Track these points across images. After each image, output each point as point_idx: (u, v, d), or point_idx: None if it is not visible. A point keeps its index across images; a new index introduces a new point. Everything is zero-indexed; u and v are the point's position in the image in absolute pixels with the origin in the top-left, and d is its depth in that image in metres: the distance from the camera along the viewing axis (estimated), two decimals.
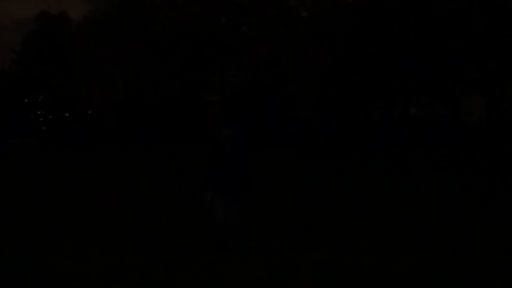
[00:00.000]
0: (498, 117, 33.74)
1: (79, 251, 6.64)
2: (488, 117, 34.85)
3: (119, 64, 49.94)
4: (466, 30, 32.83)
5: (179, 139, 45.10)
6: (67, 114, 57.17)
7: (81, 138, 50.98)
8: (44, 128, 58.42)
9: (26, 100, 57.17)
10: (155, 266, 5.98)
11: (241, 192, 6.36)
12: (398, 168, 19.85)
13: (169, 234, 7.63)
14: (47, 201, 11.20)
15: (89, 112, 56.48)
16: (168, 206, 10.39)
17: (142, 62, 46.22)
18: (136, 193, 12.56)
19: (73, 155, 31.55)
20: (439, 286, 5.25)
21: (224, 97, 46.12)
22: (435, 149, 30.12)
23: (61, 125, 56.49)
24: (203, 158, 6.34)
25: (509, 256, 6.34)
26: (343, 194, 12.20)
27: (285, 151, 32.17)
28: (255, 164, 17.28)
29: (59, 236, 7.56)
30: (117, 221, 8.79)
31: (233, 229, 6.31)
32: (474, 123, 36.87)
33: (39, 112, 58.67)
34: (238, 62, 46.14)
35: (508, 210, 9.73)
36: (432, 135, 35.51)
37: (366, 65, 36.57)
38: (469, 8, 32.48)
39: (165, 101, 47.15)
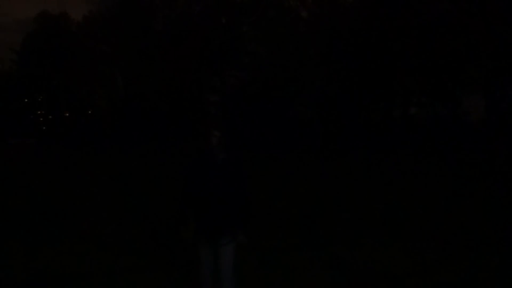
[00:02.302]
0: (498, 117, 33.70)
1: (79, 251, 6.64)
2: (488, 117, 34.81)
3: (119, 64, 49.94)
4: (466, 30, 32.80)
5: (179, 139, 45.08)
6: (67, 114, 57.16)
7: (81, 138, 50.95)
8: (44, 128, 58.41)
9: (26, 100, 57.16)
10: (155, 266, 5.98)
11: (235, 229, 4.14)
12: (398, 168, 19.84)
13: (168, 234, 7.63)
14: (46, 201, 11.20)
15: (89, 112, 56.48)
16: (167, 205, 10.38)
17: (142, 62, 46.23)
18: (136, 193, 12.56)
19: (73, 155, 31.53)
20: (439, 286, 5.25)
21: (224, 97, 46.12)
22: (435, 149, 30.11)
23: (61, 125, 56.48)
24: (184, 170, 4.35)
25: (509, 256, 6.34)
26: (343, 194, 12.20)
27: (285, 151, 32.16)
28: (254, 171, 17.22)
29: (59, 236, 7.56)
30: (117, 221, 8.79)
31: (225, 280, 4.14)
32: (474, 123, 36.82)
33: (39, 112, 58.67)
34: (238, 62, 46.14)
35: (508, 210, 9.73)
36: (432, 135, 35.47)
37: (366, 65, 36.56)
38: (469, 8, 32.46)
39: (165, 101, 47.14)
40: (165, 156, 30.07)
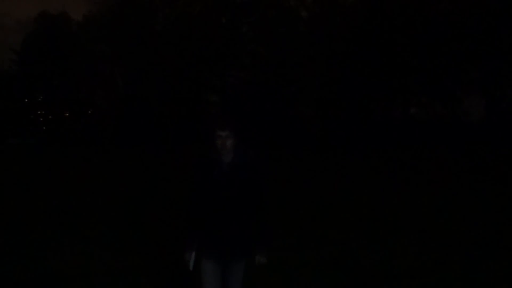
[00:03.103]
0: (498, 117, 33.72)
1: (80, 251, 6.64)
2: (488, 117, 34.84)
3: (119, 64, 49.95)
4: (466, 31, 32.84)
5: (179, 139, 45.09)
6: (67, 114, 57.16)
7: (81, 138, 50.95)
8: (44, 128, 58.41)
9: (26, 100, 57.16)
10: (156, 266, 5.98)
11: (248, 249, 3.51)
12: (398, 168, 19.83)
13: (168, 234, 7.63)
14: (46, 201, 11.20)
15: (89, 112, 56.48)
16: (167, 206, 10.39)
17: (142, 62, 46.24)
18: (136, 193, 12.56)
19: (73, 155, 31.54)
20: (439, 286, 5.25)
21: (224, 97, 46.13)
22: (435, 149, 30.11)
23: (61, 125, 56.48)
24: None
25: (509, 256, 6.34)
26: (343, 194, 12.20)
27: (285, 151, 32.15)
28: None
29: (59, 236, 7.56)
30: (117, 221, 8.79)
31: None
32: (474, 123, 36.84)
33: (39, 112, 58.65)
34: (238, 62, 46.16)
35: (508, 210, 9.72)
36: (432, 135, 35.48)
37: (366, 65, 36.58)
38: (469, 9, 32.49)
39: (165, 101, 47.16)
40: (165, 156, 30.06)
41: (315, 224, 8.43)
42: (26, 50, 57.22)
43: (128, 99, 48.97)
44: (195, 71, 44.96)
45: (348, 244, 6.94)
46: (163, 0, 48.71)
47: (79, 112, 56.35)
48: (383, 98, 39.71)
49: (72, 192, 12.73)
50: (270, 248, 3.58)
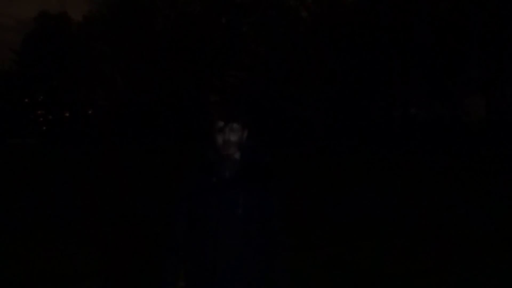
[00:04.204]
0: (498, 117, 33.71)
1: (79, 251, 6.63)
2: (488, 117, 34.83)
3: (119, 64, 49.99)
4: (466, 30, 32.82)
5: (178, 139, 45.10)
6: (67, 114, 57.19)
7: (81, 138, 50.97)
8: (44, 128, 58.45)
9: (26, 100, 57.19)
10: (155, 266, 5.98)
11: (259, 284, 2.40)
12: (398, 168, 19.83)
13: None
14: (46, 202, 11.19)
15: (89, 112, 56.51)
16: (167, 206, 10.38)
17: (142, 62, 46.27)
18: (136, 193, 12.55)
19: (73, 155, 31.53)
20: (439, 286, 5.25)
21: (224, 97, 46.17)
22: (435, 149, 30.11)
23: (61, 125, 56.51)
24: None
25: (509, 256, 6.34)
26: (343, 194, 12.20)
27: (285, 151, 32.17)
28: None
29: (59, 236, 7.56)
30: (117, 221, 8.79)
31: None
32: (474, 123, 36.84)
33: (39, 112, 58.69)
34: (238, 62, 46.20)
35: (508, 210, 9.72)
36: (432, 135, 35.49)
37: (366, 65, 36.58)
38: (469, 8, 32.48)
39: (164, 101, 47.18)
40: (165, 156, 30.05)
41: (315, 224, 8.43)
42: (26, 50, 57.29)
43: (128, 99, 49.00)
44: (195, 71, 44.98)
45: (348, 244, 6.94)
46: (163, 0, 48.74)
47: (79, 112, 56.38)
48: (383, 98, 39.72)
49: (72, 192, 12.73)
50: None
